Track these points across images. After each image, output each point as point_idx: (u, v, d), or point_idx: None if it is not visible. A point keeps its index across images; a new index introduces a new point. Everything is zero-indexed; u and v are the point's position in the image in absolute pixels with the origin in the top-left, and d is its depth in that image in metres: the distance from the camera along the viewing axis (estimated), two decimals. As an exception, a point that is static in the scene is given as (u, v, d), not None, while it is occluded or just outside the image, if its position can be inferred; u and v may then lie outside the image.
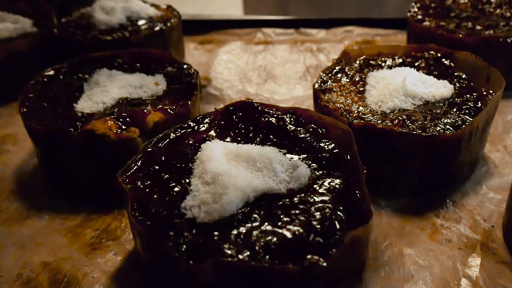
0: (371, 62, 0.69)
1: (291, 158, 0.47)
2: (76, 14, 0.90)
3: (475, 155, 0.59)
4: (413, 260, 0.48)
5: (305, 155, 0.47)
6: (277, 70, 0.87)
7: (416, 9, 0.86)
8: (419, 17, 0.83)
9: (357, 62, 0.69)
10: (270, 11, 2.11)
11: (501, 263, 0.48)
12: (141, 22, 0.84)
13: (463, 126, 0.53)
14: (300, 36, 1.00)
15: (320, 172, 0.45)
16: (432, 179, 0.56)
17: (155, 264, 0.42)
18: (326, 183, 0.43)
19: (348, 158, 0.45)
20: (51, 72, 0.67)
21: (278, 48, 0.96)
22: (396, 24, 0.99)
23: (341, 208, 0.40)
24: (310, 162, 0.46)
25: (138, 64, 0.69)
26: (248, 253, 0.36)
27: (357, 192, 0.41)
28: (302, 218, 0.39)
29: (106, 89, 0.61)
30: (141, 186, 0.44)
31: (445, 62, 0.67)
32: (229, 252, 0.36)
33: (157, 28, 0.82)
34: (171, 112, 0.57)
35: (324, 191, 0.42)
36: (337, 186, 0.42)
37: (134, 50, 0.71)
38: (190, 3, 1.44)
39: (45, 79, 0.65)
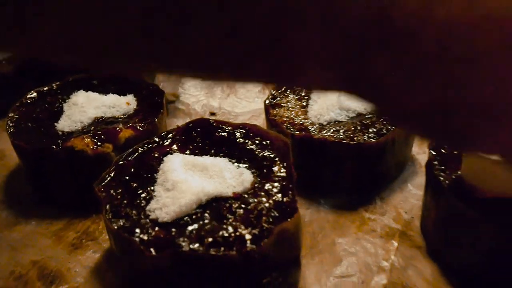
0: (316, 78, 0.79)
1: (238, 167, 0.56)
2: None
3: (402, 158, 0.70)
4: (343, 248, 0.58)
5: (250, 164, 0.57)
6: (239, 86, 0.97)
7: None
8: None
9: (305, 78, 0.79)
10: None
11: (415, 248, 0.58)
12: (114, 45, 0.93)
13: (386, 134, 0.63)
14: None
15: (261, 178, 0.54)
16: (363, 180, 0.66)
17: (125, 258, 0.51)
18: (265, 187, 0.53)
19: (285, 165, 0.55)
20: (34, 95, 0.75)
21: (241, 64, 1.05)
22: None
23: (274, 206, 0.50)
24: (254, 170, 0.56)
25: (111, 86, 0.78)
26: (198, 244, 0.46)
27: (289, 193, 0.51)
28: (243, 215, 0.49)
29: (84, 110, 0.70)
30: (114, 194, 0.53)
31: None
32: (183, 244, 0.46)
33: (128, 50, 0.90)
34: (140, 129, 0.66)
35: (262, 193, 0.52)
36: (273, 189, 0.52)
37: (108, 73, 0.80)
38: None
39: (29, 101, 0.74)
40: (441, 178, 0.54)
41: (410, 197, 0.66)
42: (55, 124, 0.69)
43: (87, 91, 0.75)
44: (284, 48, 0.27)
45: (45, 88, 0.77)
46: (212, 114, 0.88)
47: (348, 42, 0.26)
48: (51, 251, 0.59)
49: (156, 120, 0.68)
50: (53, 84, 0.78)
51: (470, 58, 0.25)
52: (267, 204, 0.50)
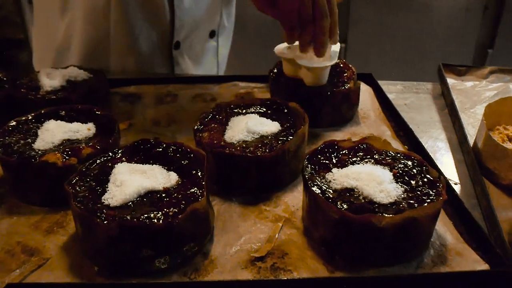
0: (235, 110, 1.04)
1: (169, 171, 0.80)
2: (26, 79, 1.19)
3: (294, 168, 0.94)
4: (244, 229, 0.80)
5: (177, 169, 0.80)
6: (180, 116, 1.21)
7: (275, 70, 1.23)
8: (275, 76, 1.20)
9: (226, 110, 1.04)
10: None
11: (294, 228, 0.81)
12: (77, 84, 1.16)
13: (277, 149, 0.88)
14: (200, 90, 1.34)
15: (183, 177, 0.78)
16: (264, 184, 0.90)
17: (86, 234, 0.73)
18: (185, 184, 0.76)
19: (200, 169, 0.79)
20: (14, 123, 0.97)
21: (183, 99, 1.29)
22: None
23: (189, 194, 0.73)
24: (179, 172, 0.79)
25: (75, 116, 1.00)
26: (136, 217, 0.68)
27: (201, 186, 0.75)
28: (169, 201, 0.72)
29: (54, 134, 0.91)
30: (78, 189, 0.75)
31: (283, 109, 1.03)
32: (128, 217, 0.68)
33: (89, 89, 1.13)
34: (98, 147, 0.88)
35: (182, 187, 0.75)
36: (190, 184, 0.76)
37: (73, 106, 1.03)
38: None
39: (10, 128, 0.95)
40: (306, 177, 0.79)
41: (298, 196, 0.90)
42: (32, 144, 0.90)
43: (56, 120, 0.97)
44: None
45: (22, 118, 0.99)
46: (157, 138, 1.10)
47: None
48: (31, 235, 0.80)
49: (110, 141, 0.91)
50: (29, 115, 1.00)
51: None
52: (185, 193, 0.74)
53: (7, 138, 0.92)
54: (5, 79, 1.17)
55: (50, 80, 1.15)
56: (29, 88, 1.15)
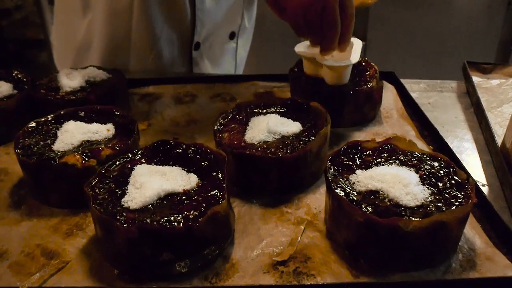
0: (255, 110, 1.02)
1: (188, 172, 0.78)
2: (46, 79, 1.19)
3: (315, 169, 0.92)
4: (265, 232, 0.79)
5: (197, 170, 0.79)
6: (199, 116, 1.19)
7: (295, 69, 1.21)
8: (296, 74, 1.18)
9: (246, 110, 1.02)
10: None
11: (317, 231, 0.79)
12: (96, 85, 1.15)
13: (299, 150, 0.86)
14: (219, 89, 1.33)
15: (204, 179, 0.76)
16: (285, 185, 0.88)
17: (105, 237, 0.72)
18: (205, 186, 0.75)
19: (220, 171, 0.77)
20: (33, 124, 0.96)
21: (201, 99, 1.28)
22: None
23: (210, 197, 0.72)
24: (199, 174, 0.78)
25: (95, 117, 1.00)
26: (156, 221, 0.67)
27: (221, 188, 0.73)
28: (189, 204, 0.71)
29: (73, 135, 0.91)
30: (98, 192, 0.74)
31: (304, 109, 1.01)
32: (148, 220, 0.67)
33: (108, 89, 1.13)
34: (117, 148, 0.87)
35: (203, 190, 0.74)
36: (210, 186, 0.74)
37: (92, 107, 1.02)
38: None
39: (30, 129, 0.95)
40: (330, 179, 0.76)
41: (320, 198, 0.88)
42: (52, 146, 0.90)
43: (75, 121, 0.97)
44: None
45: (42, 119, 0.98)
46: (176, 138, 1.10)
47: None
48: (50, 238, 0.79)
49: (129, 142, 0.90)
50: (48, 116, 0.99)
51: None
52: (205, 196, 0.72)
53: (26, 139, 0.91)
54: (25, 80, 1.17)
55: (70, 81, 1.15)
56: (49, 88, 1.14)
